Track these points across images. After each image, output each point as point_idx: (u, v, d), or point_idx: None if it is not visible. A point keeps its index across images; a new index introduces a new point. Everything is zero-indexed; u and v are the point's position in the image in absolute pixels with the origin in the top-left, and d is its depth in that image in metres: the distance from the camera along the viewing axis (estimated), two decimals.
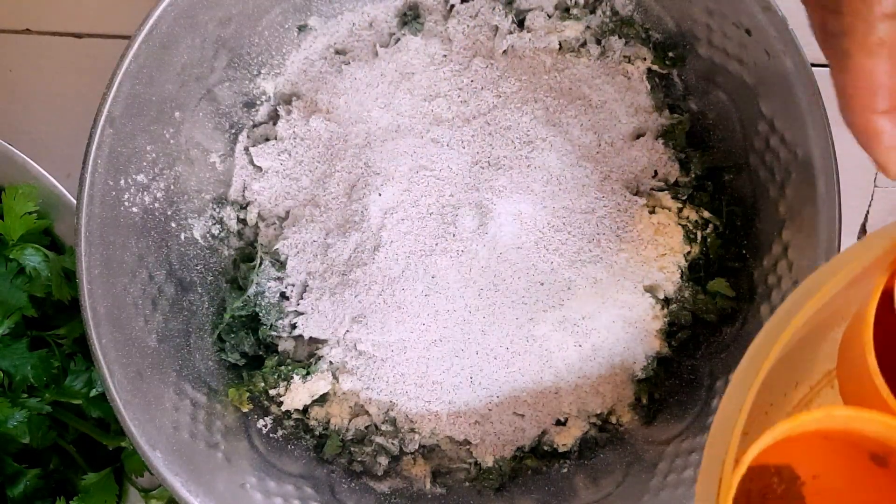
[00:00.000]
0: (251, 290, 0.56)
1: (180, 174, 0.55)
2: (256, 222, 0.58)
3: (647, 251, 0.54)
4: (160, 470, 0.49)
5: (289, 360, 0.56)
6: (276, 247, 0.56)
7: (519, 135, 0.55)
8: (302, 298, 0.56)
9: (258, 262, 0.56)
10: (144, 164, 0.52)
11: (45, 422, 0.56)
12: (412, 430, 0.56)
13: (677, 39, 0.55)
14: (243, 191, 0.58)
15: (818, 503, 0.38)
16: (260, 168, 0.57)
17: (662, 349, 0.55)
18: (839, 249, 0.47)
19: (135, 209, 0.52)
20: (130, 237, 0.52)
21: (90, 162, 0.49)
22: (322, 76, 0.58)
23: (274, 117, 0.58)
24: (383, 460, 0.56)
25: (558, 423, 0.56)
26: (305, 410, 0.56)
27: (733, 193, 0.55)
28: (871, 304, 0.33)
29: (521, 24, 0.57)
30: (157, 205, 0.53)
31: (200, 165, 0.56)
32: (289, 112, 0.57)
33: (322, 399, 0.56)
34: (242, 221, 0.58)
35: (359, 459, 0.56)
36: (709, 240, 0.55)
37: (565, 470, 0.56)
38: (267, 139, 0.58)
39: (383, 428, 0.56)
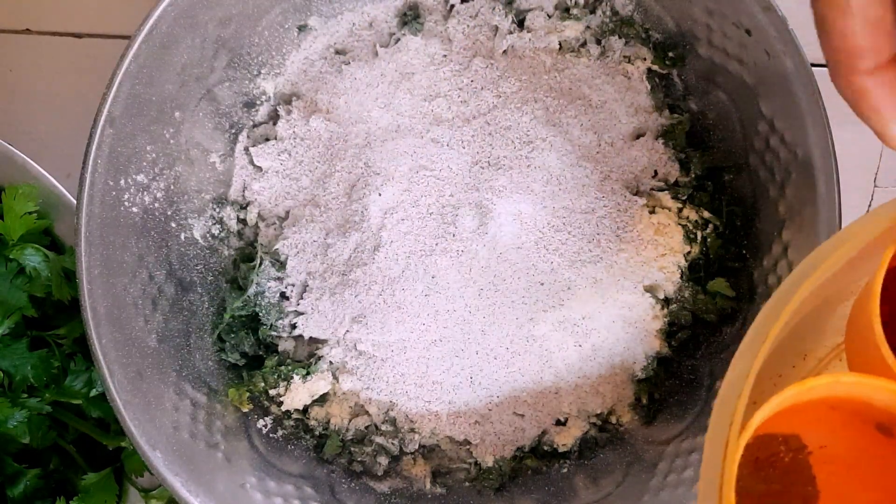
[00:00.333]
0: (251, 290, 0.56)
1: (180, 174, 0.55)
2: (256, 222, 0.58)
3: (647, 251, 0.54)
4: (160, 470, 0.49)
5: (289, 360, 0.56)
6: (276, 247, 0.56)
7: (519, 135, 0.55)
8: (302, 298, 0.56)
9: (258, 262, 0.56)
10: (144, 164, 0.52)
11: (45, 422, 0.56)
12: (412, 430, 0.56)
13: (677, 39, 0.55)
14: (243, 191, 0.58)
15: (825, 472, 0.38)
16: (260, 168, 0.57)
17: (662, 349, 0.55)
18: None
19: (135, 209, 0.52)
20: (130, 237, 0.52)
21: (90, 162, 0.49)
22: (322, 76, 0.58)
23: (274, 117, 0.58)
24: (383, 460, 0.56)
25: (558, 423, 0.56)
26: (305, 410, 0.56)
27: (733, 193, 0.55)
28: (879, 275, 0.33)
29: (521, 24, 0.57)
30: (157, 205, 0.53)
31: (200, 165, 0.56)
32: (289, 112, 0.57)
33: (322, 399, 0.56)
34: (242, 221, 0.58)
35: (359, 459, 0.56)
36: (709, 240, 0.55)
37: (565, 470, 0.56)
38: (267, 139, 0.58)
39: (383, 428, 0.56)
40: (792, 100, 0.48)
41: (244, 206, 0.58)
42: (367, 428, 0.56)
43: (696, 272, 0.55)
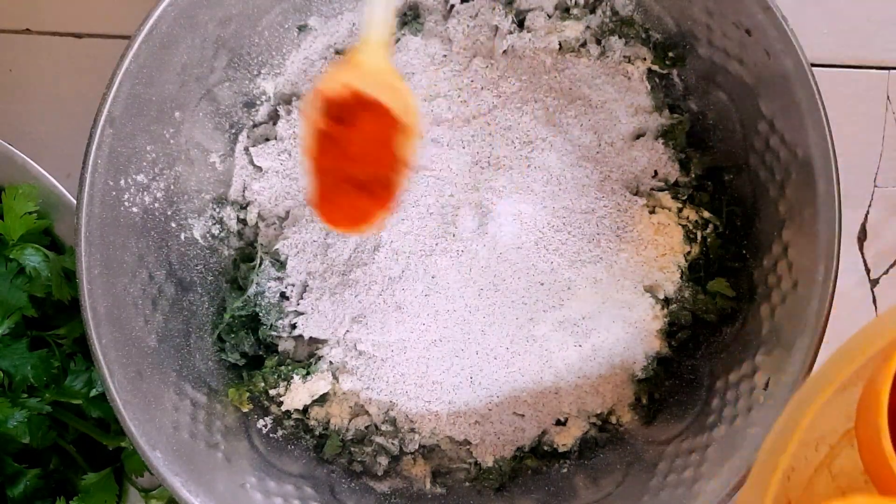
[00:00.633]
0: (251, 290, 0.56)
1: (180, 174, 0.55)
2: (256, 222, 0.58)
3: (647, 251, 0.54)
4: (160, 470, 0.49)
5: (289, 360, 0.56)
6: (276, 247, 0.56)
7: (519, 135, 0.55)
8: (302, 298, 0.56)
9: (258, 262, 0.56)
10: (144, 164, 0.52)
11: (45, 422, 0.56)
12: (412, 430, 0.56)
13: (677, 39, 0.55)
14: (243, 191, 0.58)
15: None
16: (260, 168, 0.57)
17: (662, 349, 0.55)
18: (839, 249, 0.47)
19: (135, 209, 0.52)
20: (130, 237, 0.52)
21: (90, 162, 0.49)
22: (322, 76, 0.58)
23: (274, 117, 0.58)
24: (383, 460, 0.56)
25: (558, 423, 0.56)
26: (305, 410, 0.56)
27: (733, 193, 0.55)
28: (884, 389, 0.33)
29: (521, 24, 0.57)
30: (157, 205, 0.53)
31: (200, 165, 0.56)
32: (289, 112, 0.57)
33: (322, 399, 0.56)
34: (242, 221, 0.58)
35: (359, 459, 0.56)
36: (709, 240, 0.55)
37: (565, 470, 0.56)
38: (267, 139, 0.58)
39: (383, 428, 0.56)
40: (792, 100, 0.48)
41: (244, 206, 0.58)
42: (367, 428, 0.56)
43: (696, 272, 0.55)
